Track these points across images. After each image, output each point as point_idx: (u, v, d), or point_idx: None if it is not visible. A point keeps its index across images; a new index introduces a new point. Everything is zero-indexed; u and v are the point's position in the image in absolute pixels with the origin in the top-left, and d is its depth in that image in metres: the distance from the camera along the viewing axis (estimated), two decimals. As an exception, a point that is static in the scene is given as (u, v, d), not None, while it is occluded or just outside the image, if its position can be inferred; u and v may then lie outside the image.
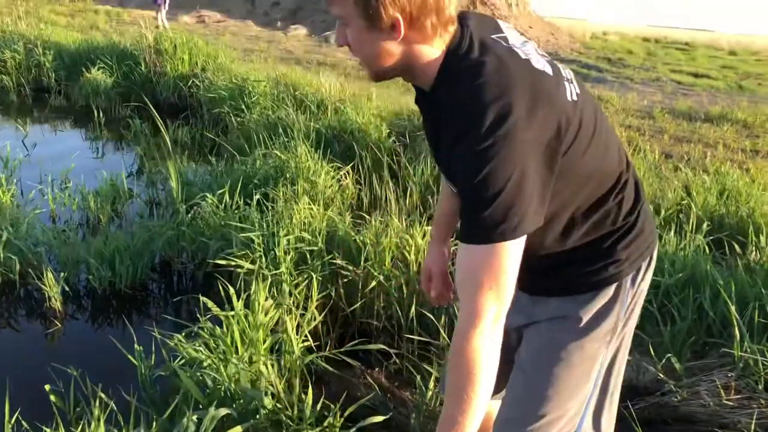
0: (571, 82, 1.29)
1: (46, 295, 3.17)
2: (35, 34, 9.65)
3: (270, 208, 3.59)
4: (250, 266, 2.94)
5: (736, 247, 3.68)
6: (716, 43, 31.46)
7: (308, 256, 3.08)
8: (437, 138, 1.25)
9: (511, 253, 1.14)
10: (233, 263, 2.98)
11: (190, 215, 3.79)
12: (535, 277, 1.45)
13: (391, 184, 3.96)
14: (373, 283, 2.96)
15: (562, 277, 1.42)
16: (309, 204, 3.48)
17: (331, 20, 19.78)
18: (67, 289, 3.27)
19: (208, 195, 3.75)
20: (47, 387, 2.17)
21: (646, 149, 6.58)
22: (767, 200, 4.62)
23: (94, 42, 9.42)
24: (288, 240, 3.04)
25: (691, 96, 13.25)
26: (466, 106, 1.13)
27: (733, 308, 2.71)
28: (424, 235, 3.18)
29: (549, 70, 1.25)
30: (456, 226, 1.63)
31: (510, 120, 1.10)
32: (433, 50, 1.21)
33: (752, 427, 2.27)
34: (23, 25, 10.24)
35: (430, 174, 4.67)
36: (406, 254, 3.08)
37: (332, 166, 4.44)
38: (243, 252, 3.09)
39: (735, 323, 2.67)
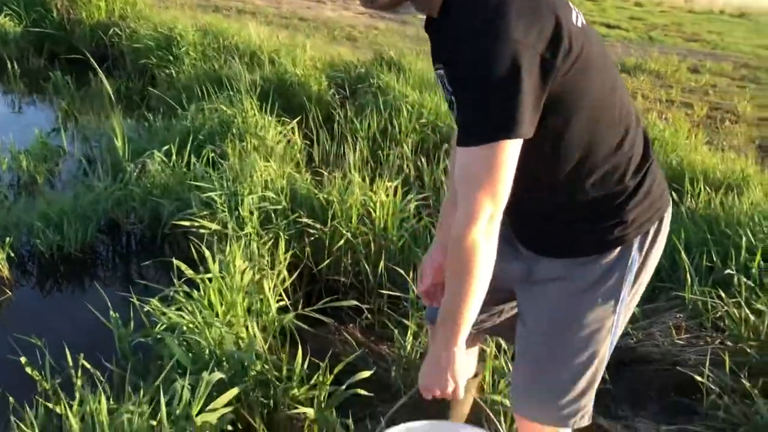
0: (579, 13, 1.29)
1: (-10, 262, 3.00)
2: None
3: (222, 166, 3.49)
4: (215, 227, 2.87)
5: (674, 195, 3.89)
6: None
7: (273, 215, 3.03)
8: (447, 62, 1.23)
9: (508, 153, 1.16)
10: (197, 224, 2.90)
11: (136, 174, 3.64)
12: (541, 236, 1.47)
13: (349, 138, 3.92)
14: (341, 241, 2.96)
15: (567, 237, 1.42)
16: (266, 161, 3.40)
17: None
18: (12, 255, 3.10)
19: (156, 152, 3.60)
20: (23, 360, 2.06)
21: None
22: (692, 149, 4.88)
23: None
24: (252, 199, 2.98)
25: (605, 47, 13.63)
26: (468, 10, 1.17)
27: (683, 254, 2.88)
28: (387, 192, 3.18)
29: None
30: None
31: (506, 19, 1.12)
32: None
33: (706, 363, 2.44)
34: None
35: (376, 128, 4.65)
36: (371, 210, 3.09)
37: (279, 121, 4.34)
38: (204, 213, 3.01)
39: (686, 268, 2.84)
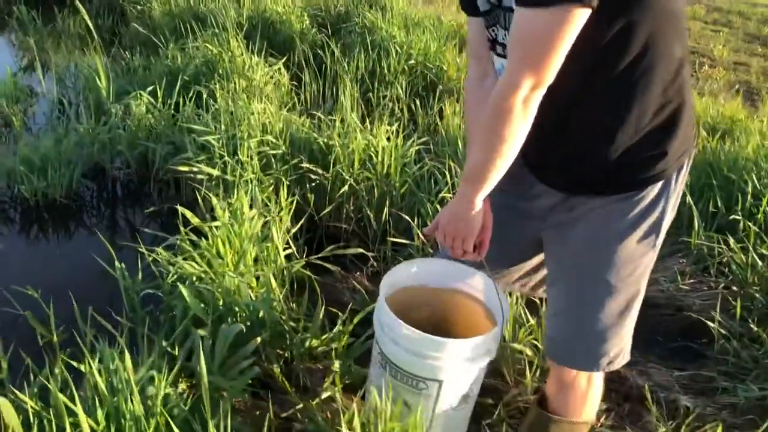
0: None
1: (-26, 209, 2.84)
2: None
3: (214, 108, 3.33)
4: (216, 172, 2.75)
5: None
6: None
7: (273, 160, 2.92)
8: None
9: (574, 24, 1.12)
10: (195, 169, 2.77)
11: (120, 116, 3.46)
12: (580, 169, 1.39)
13: (348, 82, 3.77)
14: (345, 187, 2.87)
15: (609, 168, 1.35)
16: (257, 102, 3.26)
17: None
18: (-6, 201, 2.94)
19: (142, 93, 3.42)
20: (28, 313, 1.95)
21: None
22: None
23: None
24: (251, 143, 2.85)
25: None
26: None
27: (691, 200, 2.87)
28: (387, 136, 3.09)
29: None
30: None
31: None
32: None
33: (716, 308, 2.45)
34: None
35: (365, 69, 4.50)
36: (373, 155, 2.99)
37: (266, 62, 4.17)
38: (201, 157, 2.87)
39: (695, 215, 2.83)
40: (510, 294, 2.10)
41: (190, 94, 3.56)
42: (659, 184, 1.36)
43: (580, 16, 1.11)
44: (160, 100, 3.48)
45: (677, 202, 1.42)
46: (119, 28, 5.88)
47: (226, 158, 2.77)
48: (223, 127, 2.98)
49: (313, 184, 2.91)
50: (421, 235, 2.71)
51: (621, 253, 1.38)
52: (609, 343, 1.44)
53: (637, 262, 1.40)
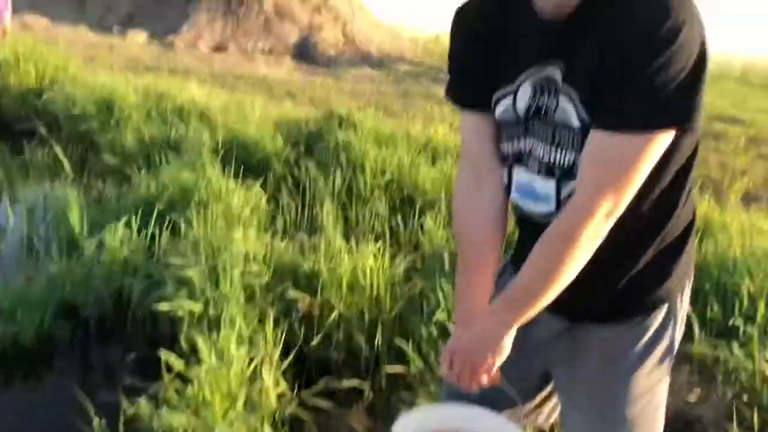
0: None
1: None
2: None
3: (192, 237, 3.24)
4: (198, 308, 2.61)
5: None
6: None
7: (257, 289, 2.80)
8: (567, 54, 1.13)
9: (660, 146, 1.07)
10: (176, 307, 2.63)
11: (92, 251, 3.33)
12: (590, 293, 1.24)
13: (328, 201, 3.73)
14: (333, 314, 2.75)
15: (618, 293, 1.27)
16: (235, 227, 3.18)
17: (171, 24, 18.83)
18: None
19: (117, 225, 3.32)
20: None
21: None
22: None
23: None
24: (233, 274, 2.74)
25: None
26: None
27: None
28: (375, 257, 3.02)
29: None
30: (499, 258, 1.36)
31: (690, 8, 1.05)
32: None
33: (735, 424, 2.33)
34: None
35: (341, 186, 4.49)
36: (360, 278, 2.91)
37: (243, 185, 4.13)
38: (181, 292, 2.74)
39: (694, 322, 2.76)
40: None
41: (166, 223, 3.48)
42: (665, 306, 1.28)
43: (668, 139, 1.08)
44: (135, 232, 3.38)
45: (684, 319, 1.34)
46: (89, 157, 5.84)
47: (208, 292, 2.65)
48: (203, 257, 2.87)
49: (300, 313, 2.79)
50: (417, 361, 2.58)
51: (635, 385, 1.29)
52: None
53: (654, 390, 1.31)
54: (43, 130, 6.09)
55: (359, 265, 2.92)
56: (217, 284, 2.74)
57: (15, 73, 7.47)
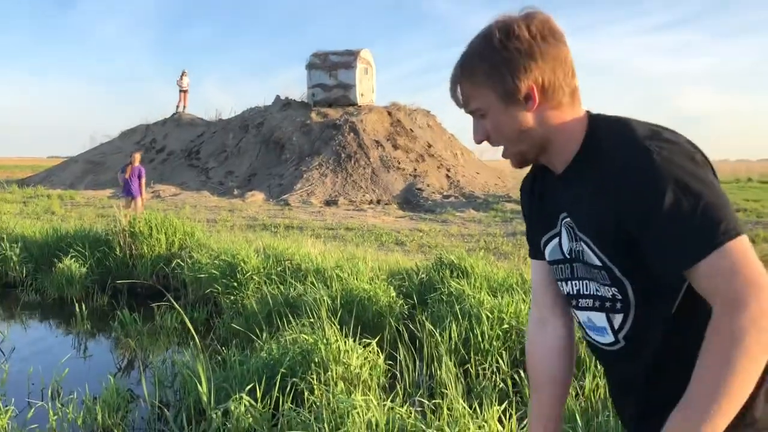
0: None
1: None
2: (-2, 228, 9.32)
3: (315, 405, 3.23)
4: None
5: None
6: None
7: (381, 460, 2.72)
8: (586, 198, 1.23)
9: (746, 245, 1.07)
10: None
11: (220, 420, 3.38)
12: (647, 421, 1.26)
13: (445, 357, 3.65)
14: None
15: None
16: (363, 395, 3.14)
17: (286, 183, 20.11)
18: None
19: (243, 396, 3.38)
20: None
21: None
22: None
23: (61, 230, 9.11)
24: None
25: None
26: (620, 144, 1.16)
27: None
28: (500, 421, 2.88)
29: None
30: (568, 384, 1.46)
31: (680, 141, 1.15)
32: (569, 120, 1.27)
33: None
34: (-15, 220, 9.90)
35: (458, 338, 4.41)
36: (487, 444, 2.76)
37: (361, 344, 4.14)
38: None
39: None
40: None
41: (288, 388, 3.51)
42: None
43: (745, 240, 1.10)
44: (259, 401, 3.42)
45: None
46: (213, 320, 6.10)
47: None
48: (326, 427, 2.83)
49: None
50: None
51: None
52: None
53: None
54: (171, 296, 6.48)
55: (485, 429, 2.78)
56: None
57: (147, 243, 8.10)
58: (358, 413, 2.90)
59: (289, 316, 4.66)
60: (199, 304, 6.67)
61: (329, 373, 3.71)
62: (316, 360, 3.87)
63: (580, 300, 1.33)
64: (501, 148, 1.34)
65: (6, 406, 3.87)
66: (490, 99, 1.26)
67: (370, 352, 4.19)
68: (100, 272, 8.05)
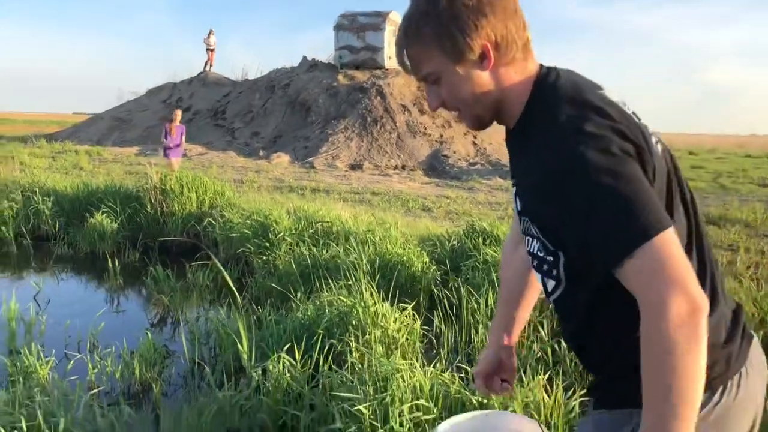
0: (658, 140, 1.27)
1: (117, 496, 2.70)
2: (30, 181, 9.37)
3: (358, 367, 3.21)
4: (370, 447, 2.54)
5: None
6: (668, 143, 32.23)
7: (426, 426, 2.69)
8: (522, 175, 1.25)
9: (667, 241, 1.05)
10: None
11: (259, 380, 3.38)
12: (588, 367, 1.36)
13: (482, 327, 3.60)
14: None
15: (598, 380, 1.31)
16: (410, 361, 3.12)
17: (311, 146, 20.04)
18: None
19: (283, 355, 3.37)
20: None
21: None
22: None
23: (92, 185, 9.15)
24: (403, 409, 2.66)
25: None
26: (557, 135, 1.13)
27: None
28: (546, 390, 2.84)
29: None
30: (530, 299, 1.56)
31: (605, 134, 1.10)
32: (521, 78, 1.23)
33: None
34: (17, 173, 9.97)
35: (494, 306, 4.36)
36: (533, 413, 2.72)
37: (398, 308, 4.10)
38: (349, 427, 2.69)
39: None
40: None
41: (326, 349, 3.50)
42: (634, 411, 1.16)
43: (670, 235, 1.07)
44: (299, 361, 3.41)
45: None
46: (245, 279, 6.11)
47: (379, 429, 2.57)
48: (371, 390, 2.81)
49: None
50: None
51: None
52: None
53: None
54: (204, 254, 6.50)
55: (531, 399, 2.74)
56: (386, 419, 2.66)
57: (178, 201, 8.11)
58: (402, 377, 2.87)
59: (326, 278, 4.64)
60: (231, 263, 6.66)
61: (367, 336, 3.69)
62: (354, 323, 3.85)
63: (529, 257, 1.36)
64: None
65: (46, 357, 3.90)
66: (442, 62, 1.21)
67: (406, 316, 4.16)
68: (131, 228, 8.10)
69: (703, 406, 1.15)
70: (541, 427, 1.56)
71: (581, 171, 1.07)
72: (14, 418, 3.00)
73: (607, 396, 1.28)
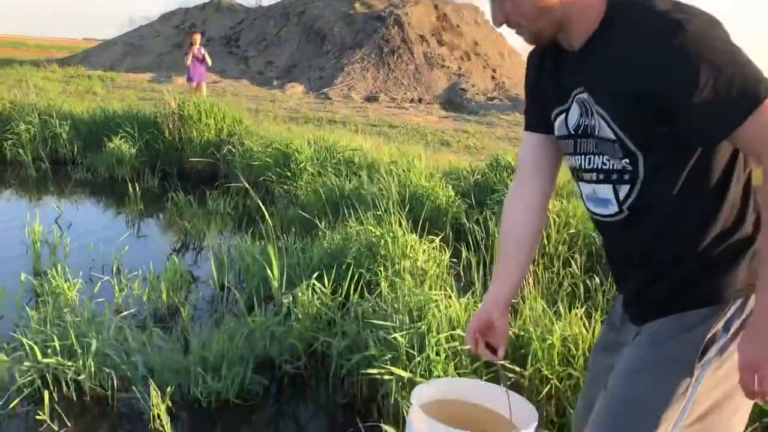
0: None
1: (151, 415, 2.71)
2: (46, 105, 9.25)
3: (392, 296, 3.17)
4: (407, 375, 2.51)
5: None
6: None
7: (462, 356, 2.66)
8: (605, 80, 1.25)
9: None
10: (383, 371, 2.55)
11: (289, 306, 3.36)
12: (645, 293, 1.34)
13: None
14: (546, 387, 2.55)
15: (665, 288, 1.31)
16: (446, 292, 3.08)
17: (327, 76, 19.70)
18: (170, 405, 2.80)
19: (315, 282, 3.34)
20: None
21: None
22: None
23: (109, 110, 9.03)
24: (440, 339, 2.62)
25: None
26: (656, 25, 1.16)
27: None
28: (582, 321, 2.80)
29: None
30: (531, 254, 1.50)
31: (703, 10, 1.16)
32: None
33: None
34: (33, 96, 9.84)
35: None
36: (570, 347, 2.69)
37: (426, 239, 4.05)
38: (384, 354, 2.66)
39: None
40: None
41: (355, 279, 3.46)
42: (717, 308, 1.24)
43: None
44: (329, 288, 3.38)
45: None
46: (267, 208, 6.06)
47: (416, 357, 2.55)
48: (406, 318, 2.78)
49: (510, 382, 2.61)
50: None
51: (643, 378, 1.28)
52: None
53: (661, 393, 1.24)
54: (222, 183, 6.44)
55: (569, 333, 2.70)
56: (421, 348, 2.63)
57: (196, 127, 8.00)
58: (437, 306, 2.83)
59: (351, 208, 4.57)
60: (252, 190, 6.62)
61: (396, 266, 3.64)
62: (382, 253, 3.80)
63: (583, 174, 1.36)
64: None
65: (73, 279, 3.90)
66: None
67: (433, 249, 4.10)
68: (149, 154, 8.02)
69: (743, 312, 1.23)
70: (507, 396, 1.52)
71: (696, 41, 1.11)
72: (47, 336, 3.00)
73: (681, 298, 1.28)
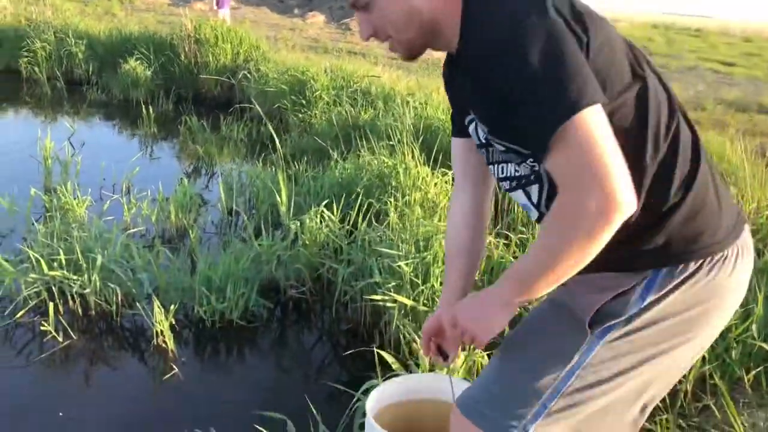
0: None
1: (155, 332, 2.73)
2: (63, 23, 9.12)
3: (398, 225, 3.13)
4: (410, 302, 2.49)
5: None
6: (725, 30, 30.67)
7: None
8: (473, 95, 1.17)
9: (593, 121, 1.00)
10: (388, 299, 2.53)
11: (296, 232, 3.34)
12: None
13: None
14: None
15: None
16: (431, 217, 3.03)
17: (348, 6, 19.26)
18: (173, 322, 2.81)
19: (324, 209, 3.30)
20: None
21: (726, 145, 5.98)
22: None
23: (126, 32, 8.89)
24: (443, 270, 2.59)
25: (733, 85, 12.77)
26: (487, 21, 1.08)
27: None
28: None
29: None
30: (476, 263, 1.45)
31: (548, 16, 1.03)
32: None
33: None
34: (49, 14, 9.70)
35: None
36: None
37: (439, 172, 3.98)
38: (389, 282, 2.64)
39: None
40: None
41: (364, 208, 3.42)
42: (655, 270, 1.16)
43: (598, 112, 1.03)
44: (336, 216, 3.34)
45: (681, 314, 1.16)
46: (280, 136, 5.99)
47: (420, 286, 2.52)
48: (412, 248, 2.74)
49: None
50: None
51: (544, 326, 1.29)
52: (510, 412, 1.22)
53: (559, 345, 1.20)
54: (237, 109, 6.35)
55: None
56: (426, 278, 2.60)
57: (213, 52, 7.86)
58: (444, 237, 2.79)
59: (364, 138, 4.49)
60: (268, 118, 6.54)
61: (407, 197, 3.58)
62: (394, 184, 3.74)
63: (501, 183, 1.30)
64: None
65: (82, 196, 3.89)
66: None
67: (446, 182, 4.04)
68: (164, 77, 7.93)
69: (692, 274, 1.15)
70: (451, 383, 1.51)
71: (515, 48, 1.02)
72: (53, 250, 3.01)
73: (608, 261, 1.18)
